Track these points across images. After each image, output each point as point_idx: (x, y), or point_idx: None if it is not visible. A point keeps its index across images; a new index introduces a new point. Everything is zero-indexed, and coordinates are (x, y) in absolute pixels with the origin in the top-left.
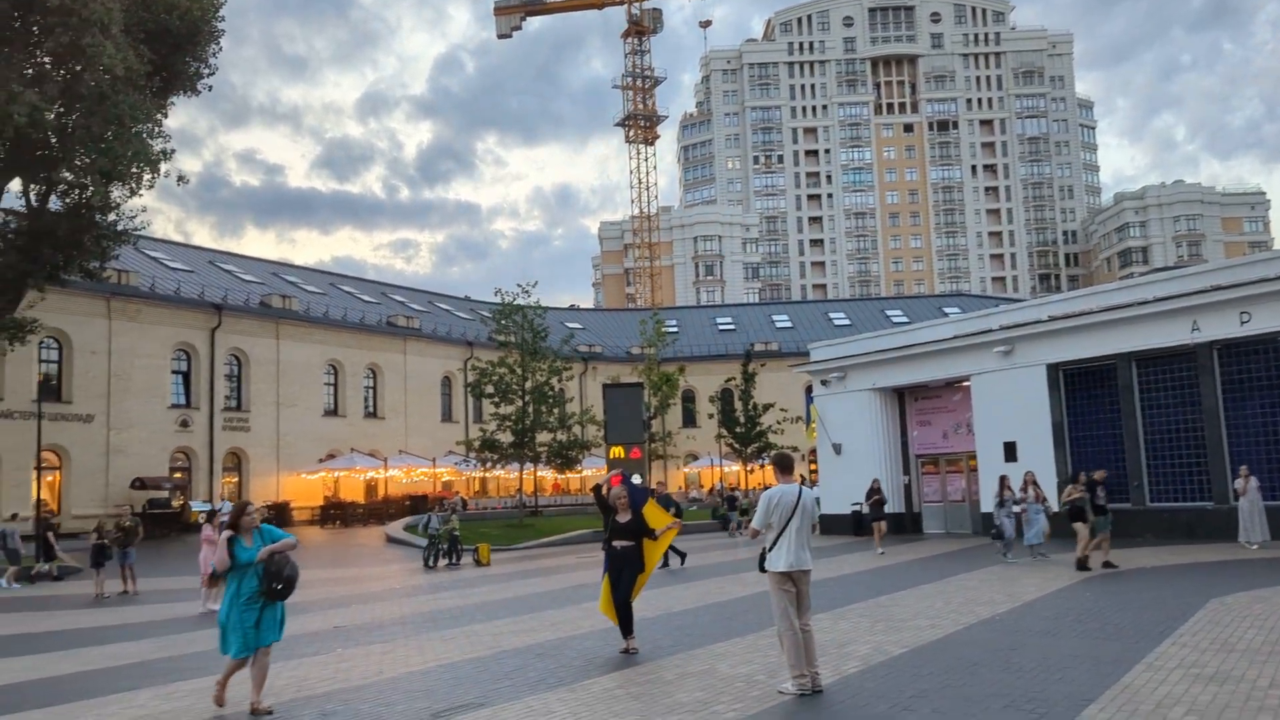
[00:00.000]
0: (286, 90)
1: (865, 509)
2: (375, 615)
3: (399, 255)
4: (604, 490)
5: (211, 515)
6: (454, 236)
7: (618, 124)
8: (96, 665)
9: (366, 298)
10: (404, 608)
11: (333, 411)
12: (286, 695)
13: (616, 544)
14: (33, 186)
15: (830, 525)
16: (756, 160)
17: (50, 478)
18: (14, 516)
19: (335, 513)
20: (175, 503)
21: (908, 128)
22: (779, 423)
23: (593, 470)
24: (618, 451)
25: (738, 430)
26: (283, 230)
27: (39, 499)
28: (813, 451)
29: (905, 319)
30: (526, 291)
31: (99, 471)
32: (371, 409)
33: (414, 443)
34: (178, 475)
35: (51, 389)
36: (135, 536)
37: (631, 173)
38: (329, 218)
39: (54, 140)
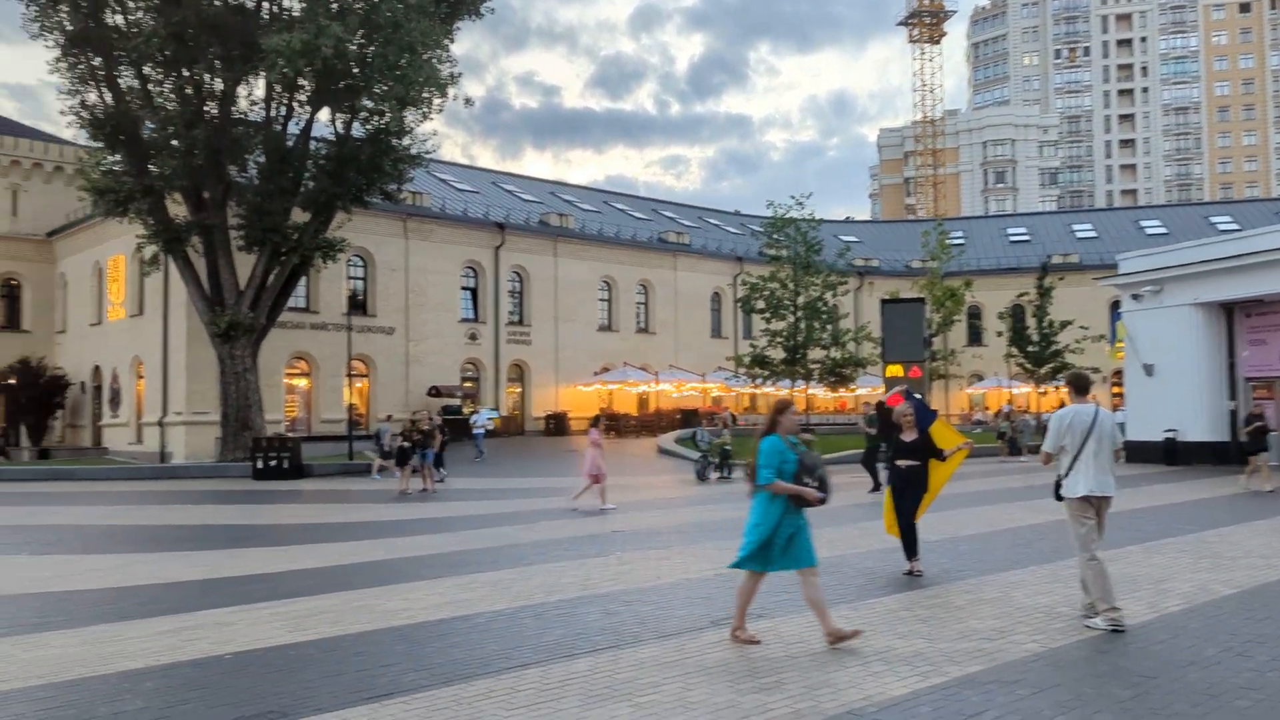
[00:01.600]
0: (563, 10)
1: (1243, 437)
2: (652, 522)
3: (669, 172)
4: (881, 408)
5: (597, 420)
6: (724, 151)
7: (900, 23)
8: (403, 554)
9: (638, 215)
10: (679, 517)
11: (606, 326)
12: (571, 593)
13: (901, 464)
14: (338, 116)
15: (1138, 453)
16: (1058, 54)
17: (360, 384)
18: (388, 418)
19: (610, 424)
20: (465, 409)
21: (1244, 7)
22: (1077, 341)
23: (868, 390)
24: (895, 370)
25: (1029, 349)
26: (559, 150)
27: (350, 404)
28: (1116, 373)
29: (1235, 226)
30: (800, 203)
31: (399, 380)
32: (643, 324)
33: (683, 358)
34: (467, 384)
35: (358, 303)
36: (433, 439)
37: (914, 75)
38: (602, 136)
39: (355, 70)
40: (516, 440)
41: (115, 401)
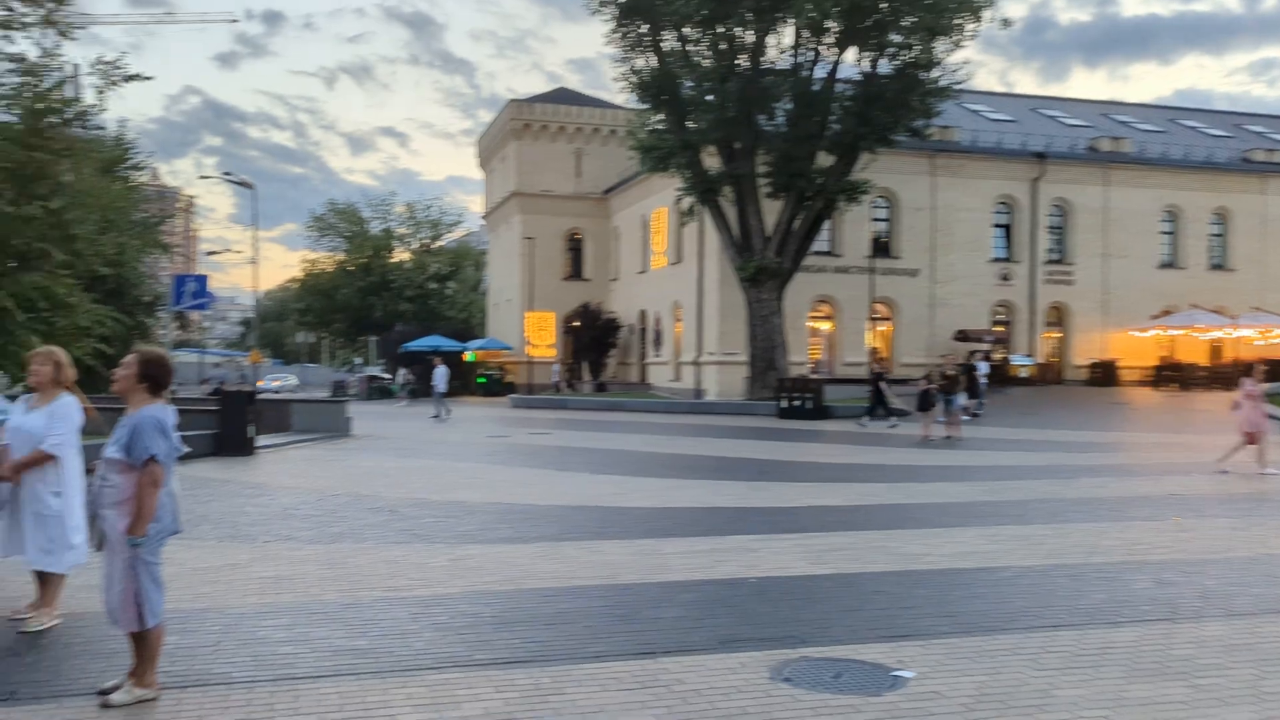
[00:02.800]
0: None
1: None
2: (1222, 488)
3: (1259, 79)
4: None
5: (1250, 368)
6: None
7: None
8: (923, 499)
9: (1214, 132)
10: (1262, 485)
11: (1169, 263)
12: (1115, 556)
13: None
14: (864, 55)
15: None
16: None
17: (882, 328)
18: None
19: (1171, 375)
20: (995, 355)
21: None
22: None
23: None
24: None
25: None
26: (1114, 67)
27: (872, 348)
28: None
29: None
30: None
31: (923, 323)
32: (1217, 259)
33: (1271, 298)
34: (998, 329)
35: (881, 246)
36: (958, 385)
37: None
38: (1169, 45)
39: (883, 5)
40: (1054, 390)
41: (658, 342)
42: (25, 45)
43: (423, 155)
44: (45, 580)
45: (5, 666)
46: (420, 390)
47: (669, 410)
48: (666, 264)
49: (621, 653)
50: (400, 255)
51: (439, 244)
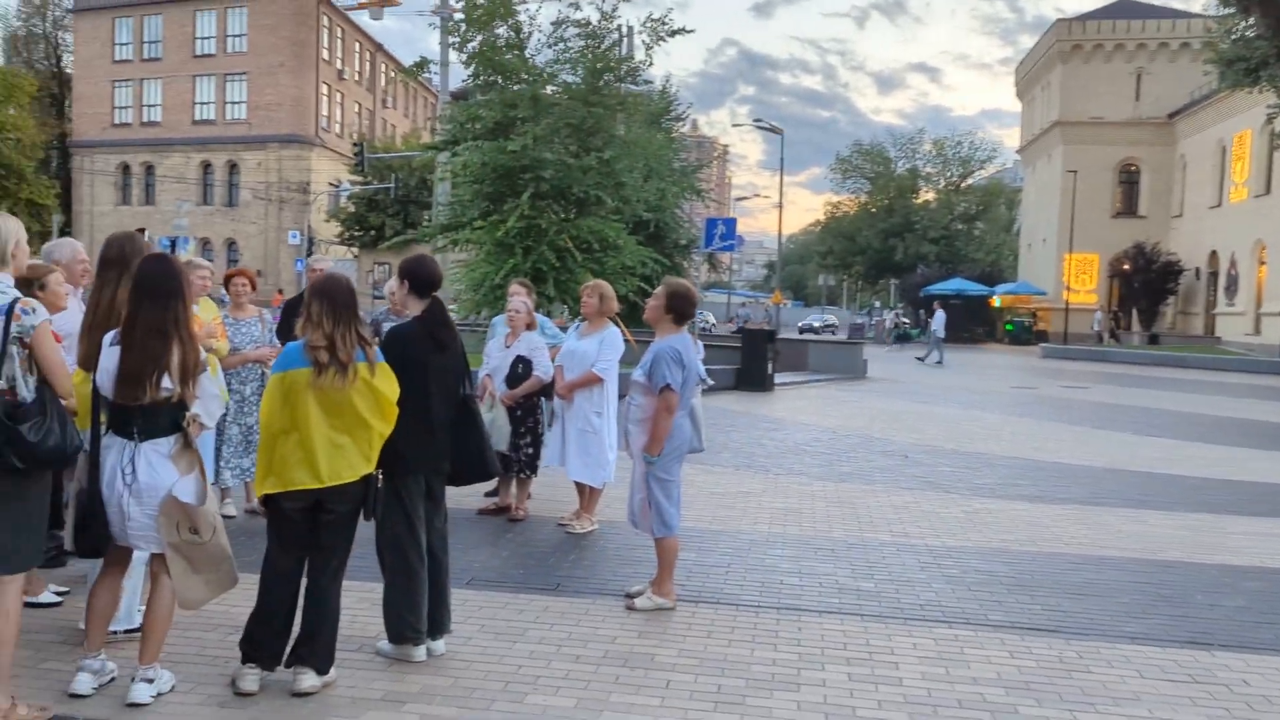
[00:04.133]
0: None
1: None
2: None
3: None
4: None
5: None
6: None
7: None
8: None
9: None
10: None
11: None
12: None
13: None
14: None
15: None
16: None
17: None
18: None
19: None
20: None
21: None
22: None
23: None
24: None
25: None
26: None
27: None
28: None
29: None
30: None
31: None
32: None
33: None
34: None
35: None
36: None
37: None
38: None
39: None
40: None
41: (1232, 289)
42: (589, 10)
43: (955, 89)
44: (585, 491)
45: (553, 563)
46: (906, 337)
47: (1244, 369)
48: (1248, 196)
49: (1164, 639)
50: (925, 195)
51: (967, 183)
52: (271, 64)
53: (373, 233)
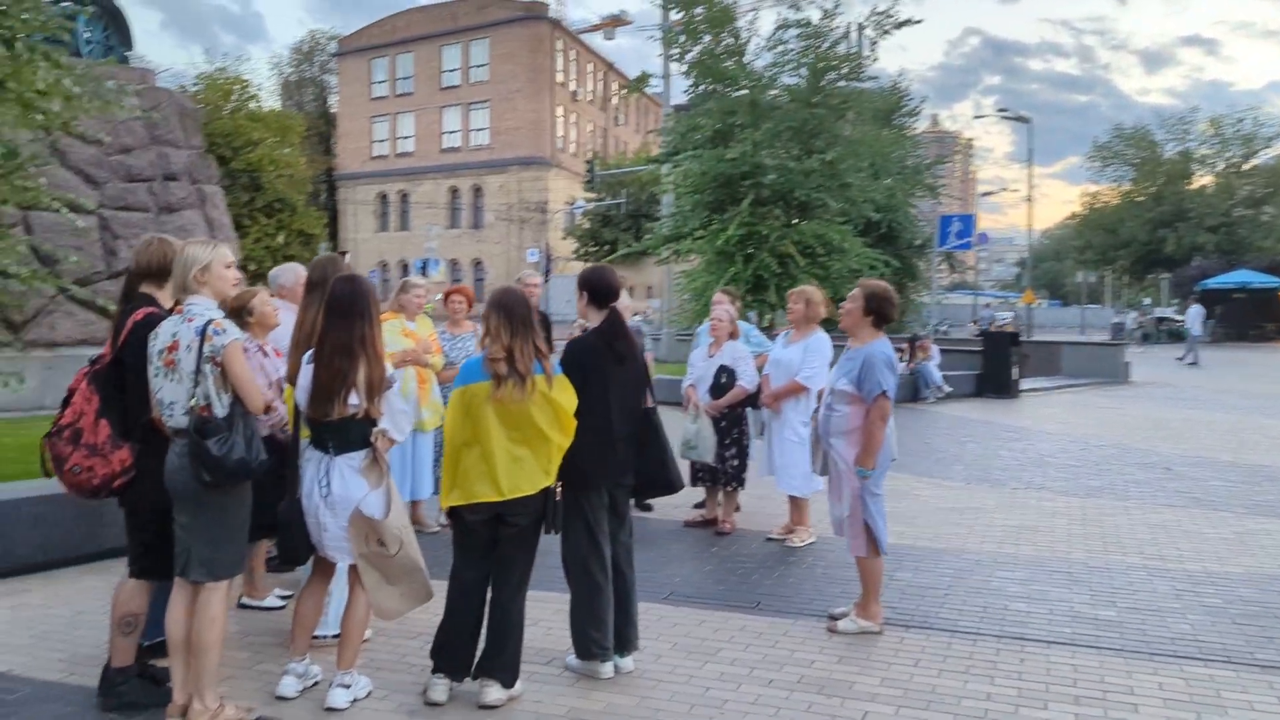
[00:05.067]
0: None
1: None
2: None
3: None
4: None
5: None
6: None
7: None
8: None
9: None
10: None
11: None
12: None
13: None
14: None
15: None
16: None
17: None
18: None
19: None
20: None
21: None
22: None
23: None
24: None
25: None
26: None
27: None
28: None
29: None
30: None
31: None
32: None
33: None
34: None
35: None
36: None
37: None
38: None
39: None
40: None
41: None
42: (810, 11)
43: (1236, 61)
44: (795, 502)
45: (756, 579)
46: (1157, 335)
47: None
48: None
49: None
50: (1200, 180)
51: (1251, 163)
52: (510, 90)
53: (606, 247)
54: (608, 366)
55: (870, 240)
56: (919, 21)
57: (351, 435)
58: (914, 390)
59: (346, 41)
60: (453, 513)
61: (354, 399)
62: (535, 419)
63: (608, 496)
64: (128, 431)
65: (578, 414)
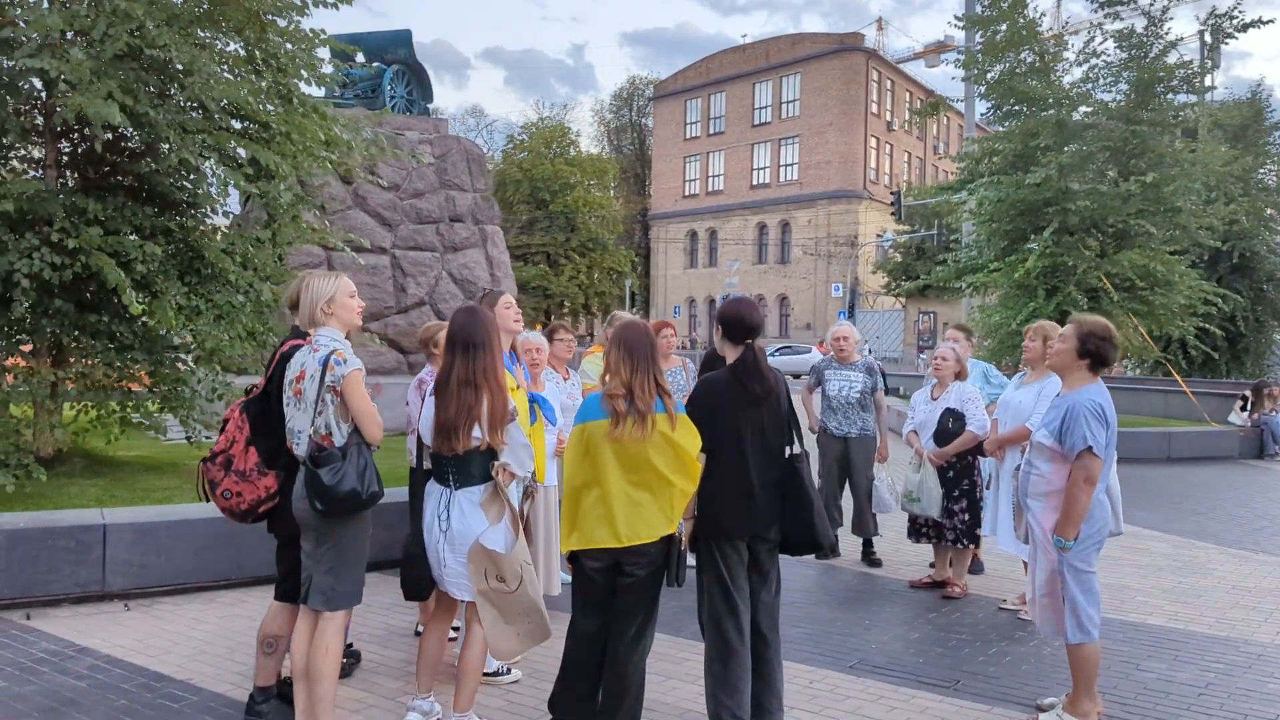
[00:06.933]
0: None
1: None
2: None
3: None
4: None
5: None
6: None
7: None
8: None
9: None
10: None
11: None
12: None
13: None
14: None
15: None
16: None
17: None
18: None
19: None
20: None
21: None
22: None
23: None
24: None
25: None
26: None
27: None
28: None
29: None
30: None
31: None
32: None
33: None
34: None
35: None
36: None
37: None
38: None
39: None
40: None
41: None
42: (1132, 19)
43: None
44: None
45: (966, 654)
46: None
47: None
48: None
49: None
50: None
51: None
52: (822, 124)
53: (920, 279)
54: (740, 407)
55: (1215, 273)
56: (1269, 22)
57: (473, 468)
58: (1260, 446)
59: (662, 85)
60: (572, 559)
61: (477, 432)
62: (654, 461)
63: (747, 551)
64: (273, 459)
65: (707, 457)
